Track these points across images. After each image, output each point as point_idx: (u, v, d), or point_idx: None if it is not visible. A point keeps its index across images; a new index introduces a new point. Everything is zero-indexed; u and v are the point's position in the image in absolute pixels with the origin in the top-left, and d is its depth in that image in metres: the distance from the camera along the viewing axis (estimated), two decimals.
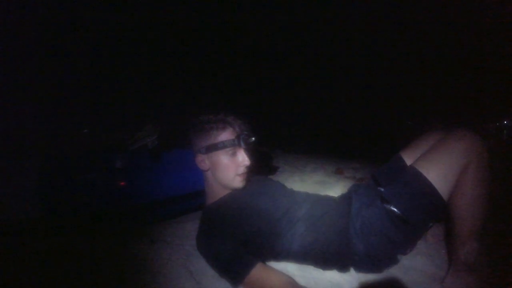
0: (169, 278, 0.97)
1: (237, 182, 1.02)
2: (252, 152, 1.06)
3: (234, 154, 1.00)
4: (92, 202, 1.15)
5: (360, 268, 0.98)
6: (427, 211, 0.94)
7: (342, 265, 0.98)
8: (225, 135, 1.00)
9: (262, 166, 2.18)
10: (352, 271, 1.00)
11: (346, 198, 1.10)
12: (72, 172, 1.15)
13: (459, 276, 0.95)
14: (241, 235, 0.93)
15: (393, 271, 1.02)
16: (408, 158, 1.10)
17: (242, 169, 1.01)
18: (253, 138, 1.00)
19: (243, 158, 1.00)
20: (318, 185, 1.97)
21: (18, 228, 1.27)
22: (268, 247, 0.97)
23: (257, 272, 0.85)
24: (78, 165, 1.18)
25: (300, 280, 0.94)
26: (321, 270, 1.01)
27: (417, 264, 1.09)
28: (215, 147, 0.99)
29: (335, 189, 1.83)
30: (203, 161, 1.03)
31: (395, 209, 0.93)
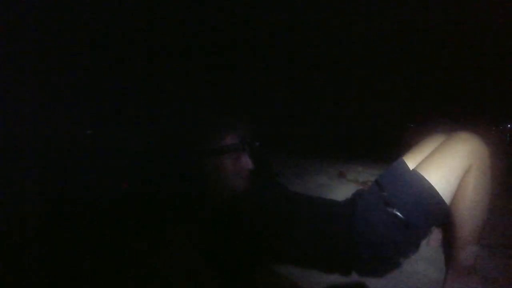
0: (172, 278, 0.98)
1: (239, 185, 1.02)
2: (255, 156, 1.06)
3: (237, 158, 1.00)
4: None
5: (362, 271, 0.99)
6: (430, 215, 0.95)
7: (344, 269, 0.98)
8: (229, 139, 1.00)
9: (264, 169, 2.18)
10: (354, 275, 1.00)
11: (349, 202, 1.11)
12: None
13: (458, 279, 0.95)
14: (244, 238, 0.94)
15: (395, 275, 1.02)
16: (411, 162, 1.10)
17: (244, 173, 1.01)
18: (258, 143, 1.00)
19: (246, 163, 1.00)
20: (321, 189, 1.97)
21: (19, 228, 1.28)
22: (271, 250, 0.97)
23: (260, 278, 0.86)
24: None
25: (302, 284, 0.94)
26: (323, 274, 1.02)
27: (419, 268, 1.09)
28: (218, 151, 0.99)
29: (338, 193, 1.83)
30: (207, 165, 1.04)
31: (398, 213, 0.93)
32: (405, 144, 1.21)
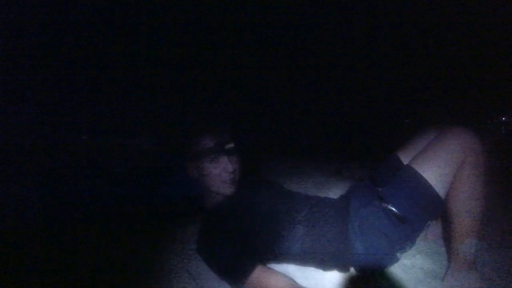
0: (169, 280, 0.98)
1: (224, 188, 1.01)
2: (239, 156, 1.04)
3: (216, 161, 0.99)
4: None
5: (360, 267, 0.99)
6: (425, 209, 0.95)
7: (342, 265, 0.98)
8: (205, 142, 0.99)
9: (255, 169, 2.19)
10: (352, 271, 1.00)
11: (345, 198, 1.11)
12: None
13: (459, 273, 0.95)
14: (241, 238, 0.94)
15: (393, 270, 1.03)
16: (405, 157, 1.11)
17: (226, 176, 0.99)
18: (232, 144, 0.99)
19: (225, 165, 0.99)
20: (317, 186, 1.98)
21: (19, 233, 1.28)
22: (268, 249, 0.97)
23: (258, 274, 0.86)
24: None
25: (301, 281, 0.94)
26: (321, 271, 1.02)
27: (417, 262, 1.09)
28: (197, 155, 0.99)
29: (334, 190, 1.84)
30: (190, 169, 1.03)
31: (393, 208, 0.94)
32: (400, 140, 1.22)
